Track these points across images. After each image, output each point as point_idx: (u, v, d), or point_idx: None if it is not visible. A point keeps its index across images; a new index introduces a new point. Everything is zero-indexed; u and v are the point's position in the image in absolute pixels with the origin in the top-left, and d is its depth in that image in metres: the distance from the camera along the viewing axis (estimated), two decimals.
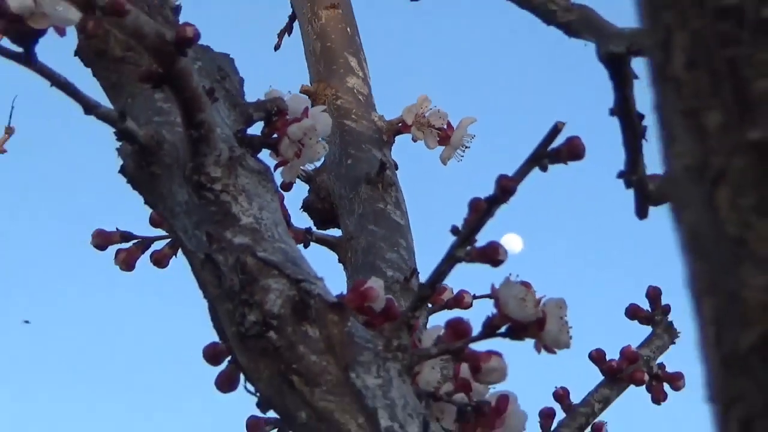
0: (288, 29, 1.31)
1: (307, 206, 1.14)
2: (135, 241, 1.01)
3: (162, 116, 0.83)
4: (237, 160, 0.78)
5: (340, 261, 1.08)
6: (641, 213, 0.70)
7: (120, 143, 0.82)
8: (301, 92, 1.19)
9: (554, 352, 0.79)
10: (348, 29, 1.24)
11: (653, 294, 1.21)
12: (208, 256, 0.76)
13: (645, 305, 1.21)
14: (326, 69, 1.22)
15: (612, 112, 0.65)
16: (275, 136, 0.88)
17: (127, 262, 0.99)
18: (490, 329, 0.78)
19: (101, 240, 1.00)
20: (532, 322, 0.77)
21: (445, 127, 1.13)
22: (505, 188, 0.73)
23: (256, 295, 0.73)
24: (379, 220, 1.08)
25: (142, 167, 0.81)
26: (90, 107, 0.78)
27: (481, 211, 0.74)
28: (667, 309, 1.21)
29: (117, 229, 1.01)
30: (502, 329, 0.78)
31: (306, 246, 1.06)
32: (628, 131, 0.66)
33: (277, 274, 0.74)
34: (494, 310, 0.77)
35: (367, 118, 1.17)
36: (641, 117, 0.66)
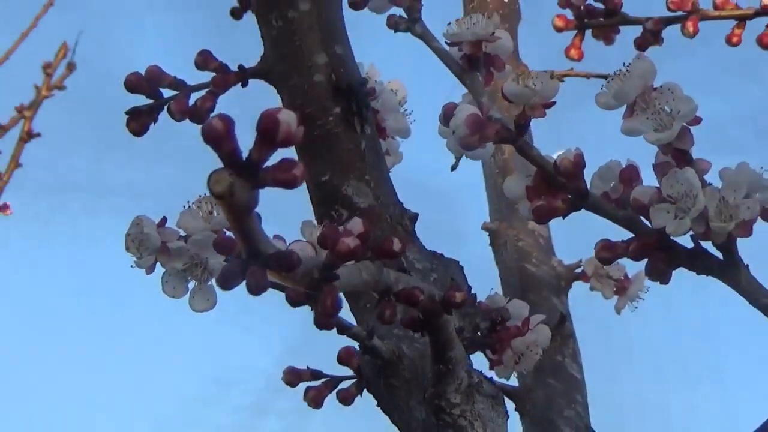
0: None
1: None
2: (324, 379, 1.06)
3: (401, 329, 0.87)
4: (475, 387, 0.84)
5: (516, 410, 1.13)
6: None
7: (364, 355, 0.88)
8: (482, 229, 1.25)
9: None
10: None
11: None
12: None
13: None
14: (508, 207, 1.25)
15: None
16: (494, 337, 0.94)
17: (315, 400, 1.05)
18: None
19: (292, 377, 1.05)
20: None
21: (623, 278, 1.22)
22: None
23: None
24: (557, 374, 1.13)
25: (381, 378, 0.87)
26: (344, 329, 0.85)
27: None
28: None
29: (308, 367, 1.06)
30: None
31: None
32: None
33: None
34: None
35: (547, 263, 1.22)
36: None
